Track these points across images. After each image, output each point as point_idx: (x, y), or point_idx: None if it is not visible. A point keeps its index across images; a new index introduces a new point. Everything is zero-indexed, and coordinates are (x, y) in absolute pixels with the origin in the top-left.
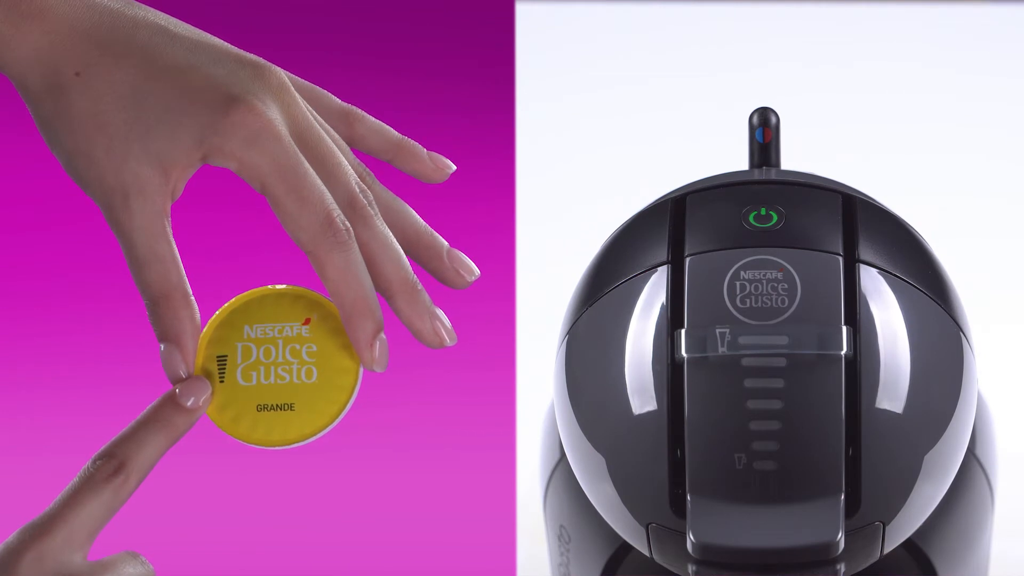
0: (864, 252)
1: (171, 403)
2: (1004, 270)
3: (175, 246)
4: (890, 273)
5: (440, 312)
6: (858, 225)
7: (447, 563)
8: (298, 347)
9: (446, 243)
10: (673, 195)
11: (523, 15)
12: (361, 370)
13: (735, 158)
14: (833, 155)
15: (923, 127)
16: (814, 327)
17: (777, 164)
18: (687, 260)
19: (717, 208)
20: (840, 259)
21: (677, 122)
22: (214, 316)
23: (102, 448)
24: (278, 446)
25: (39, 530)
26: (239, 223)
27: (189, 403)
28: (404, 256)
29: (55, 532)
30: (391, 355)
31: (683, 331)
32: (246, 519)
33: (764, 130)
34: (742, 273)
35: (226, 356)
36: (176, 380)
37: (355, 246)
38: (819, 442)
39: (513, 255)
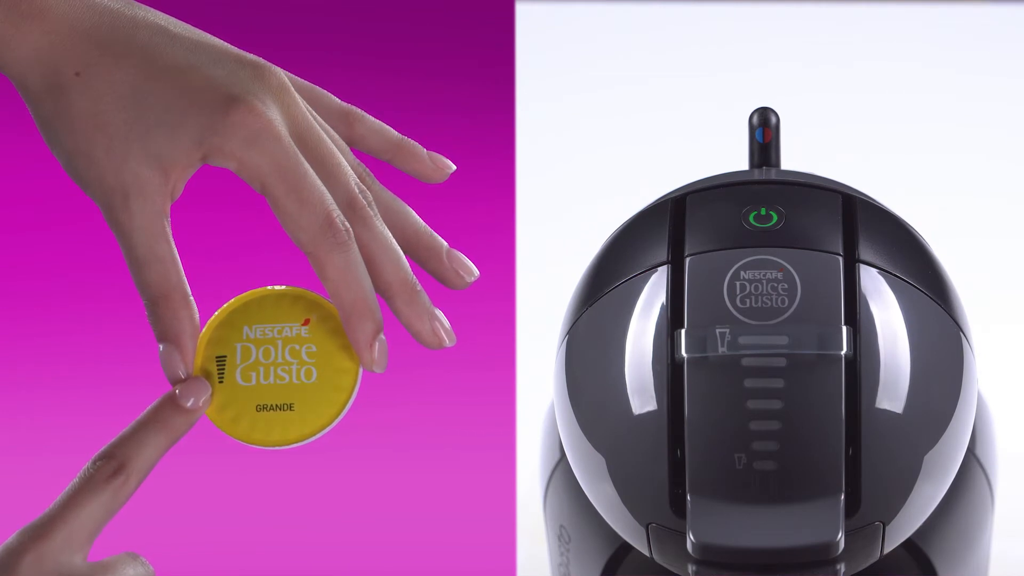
0: (864, 252)
1: (171, 404)
2: (1004, 270)
3: (175, 246)
4: (890, 273)
5: (439, 313)
6: (858, 225)
7: (447, 563)
8: (297, 347)
9: (446, 243)
10: (673, 195)
11: (523, 15)
12: (360, 370)
13: (735, 158)
14: (833, 155)
15: (923, 127)
16: (814, 327)
17: (777, 164)
18: (687, 260)
19: (717, 208)
20: (840, 259)
21: (677, 122)
22: (213, 316)
23: (102, 449)
24: (278, 446)
25: (39, 531)
26: (239, 223)
27: (189, 404)
28: (403, 257)
29: (55, 533)
30: (391, 355)
31: (683, 331)
32: (246, 519)
33: (764, 130)
34: (742, 273)
35: (225, 356)
36: (175, 381)
37: (355, 247)
38: (819, 442)
39: (513, 255)
